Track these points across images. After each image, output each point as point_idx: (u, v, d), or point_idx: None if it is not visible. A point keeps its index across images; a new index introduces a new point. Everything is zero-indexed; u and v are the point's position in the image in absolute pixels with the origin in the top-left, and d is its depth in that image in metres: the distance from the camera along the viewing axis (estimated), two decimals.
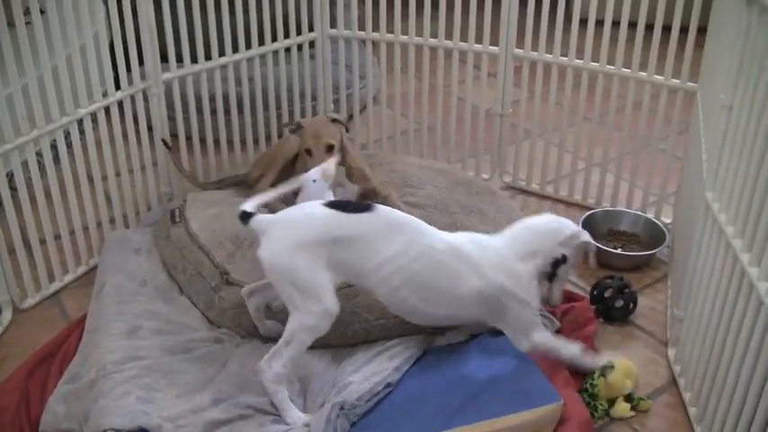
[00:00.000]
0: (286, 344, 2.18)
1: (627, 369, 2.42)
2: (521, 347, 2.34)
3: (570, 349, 2.39)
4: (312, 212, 2.24)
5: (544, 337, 2.35)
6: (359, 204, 2.31)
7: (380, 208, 2.28)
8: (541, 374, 2.33)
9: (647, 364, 2.57)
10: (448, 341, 2.49)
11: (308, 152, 2.75)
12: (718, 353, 2.12)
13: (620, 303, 2.74)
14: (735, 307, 2.02)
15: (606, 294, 2.76)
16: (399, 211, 2.34)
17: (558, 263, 2.34)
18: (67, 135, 2.82)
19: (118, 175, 3.02)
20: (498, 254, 2.31)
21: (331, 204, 2.27)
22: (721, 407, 2.08)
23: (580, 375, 2.44)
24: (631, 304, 2.76)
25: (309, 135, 2.74)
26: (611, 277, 2.80)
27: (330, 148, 2.74)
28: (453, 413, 2.20)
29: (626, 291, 2.76)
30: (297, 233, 2.19)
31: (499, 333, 2.41)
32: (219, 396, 2.28)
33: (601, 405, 2.37)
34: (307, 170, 2.66)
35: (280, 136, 3.65)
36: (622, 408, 2.37)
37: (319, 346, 2.49)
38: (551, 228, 2.36)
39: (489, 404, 2.22)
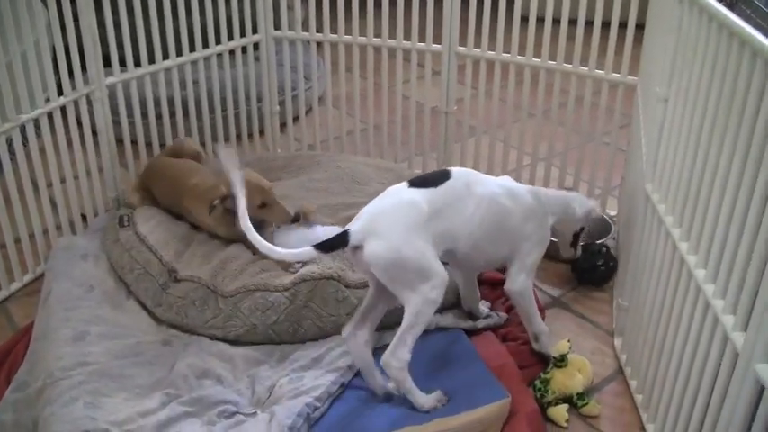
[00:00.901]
0: (410, 328, 2.18)
1: (580, 363, 2.46)
2: (514, 285, 2.46)
3: (540, 322, 2.52)
4: (406, 197, 2.25)
5: (530, 287, 2.49)
6: (437, 175, 2.36)
7: (455, 171, 2.36)
8: (488, 371, 2.36)
9: (595, 354, 2.61)
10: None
11: (263, 205, 2.71)
12: (661, 340, 2.16)
13: (600, 262, 2.92)
14: (675, 295, 2.07)
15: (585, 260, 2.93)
16: (466, 170, 2.42)
17: (578, 234, 2.69)
18: (10, 143, 2.79)
19: (63, 181, 3.00)
20: (535, 202, 2.48)
21: (415, 183, 2.30)
22: (665, 393, 2.12)
23: (527, 368, 2.48)
24: (611, 262, 2.92)
25: (252, 189, 2.63)
26: (588, 245, 2.95)
27: (271, 189, 2.74)
28: (402, 414, 2.23)
29: (604, 252, 2.94)
30: (403, 221, 2.19)
31: (446, 329, 2.47)
32: (167, 397, 2.29)
33: (553, 392, 2.40)
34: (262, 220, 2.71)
35: (226, 139, 3.64)
36: (558, 412, 2.38)
37: (269, 341, 2.51)
38: (579, 202, 2.60)
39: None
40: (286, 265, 2.61)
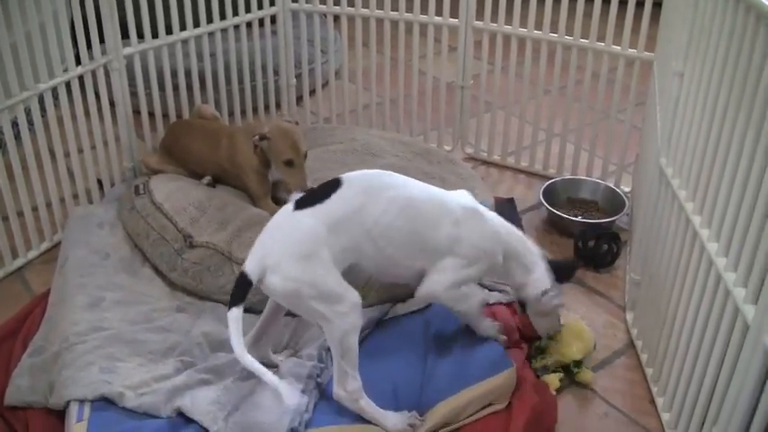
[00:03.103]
0: (342, 358, 2.08)
1: (577, 331, 2.45)
2: (422, 289, 2.26)
3: (486, 327, 2.39)
4: (296, 221, 2.09)
5: (453, 290, 2.28)
6: (326, 186, 2.17)
7: (348, 178, 2.18)
8: (493, 343, 2.37)
9: (607, 328, 2.62)
10: (408, 308, 2.54)
11: (289, 163, 2.72)
12: (673, 314, 2.17)
13: (605, 248, 2.88)
14: (687, 269, 2.07)
15: (590, 244, 2.89)
16: (370, 171, 2.25)
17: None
18: (28, 112, 2.82)
19: (80, 151, 3.02)
20: (478, 222, 2.29)
21: (301, 203, 2.13)
22: (675, 366, 2.13)
23: (538, 339, 2.50)
24: (615, 247, 2.89)
25: (288, 146, 2.71)
26: (589, 229, 2.95)
27: (306, 156, 2.75)
28: (414, 397, 2.23)
29: (607, 235, 2.90)
30: (297, 249, 2.05)
31: None
32: (182, 364, 2.31)
33: (547, 360, 2.41)
34: (280, 177, 2.77)
35: (242, 113, 3.66)
36: (551, 380, 2.37)
37: None
38: (537, 279, 2.34)
39: (443, 382, 2.25)
40: None
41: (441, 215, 2.23)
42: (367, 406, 2.12)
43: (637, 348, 2.52)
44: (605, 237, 2.89)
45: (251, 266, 2.04)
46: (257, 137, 2.73)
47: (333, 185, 2.15)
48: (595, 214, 3.14)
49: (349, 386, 2.10)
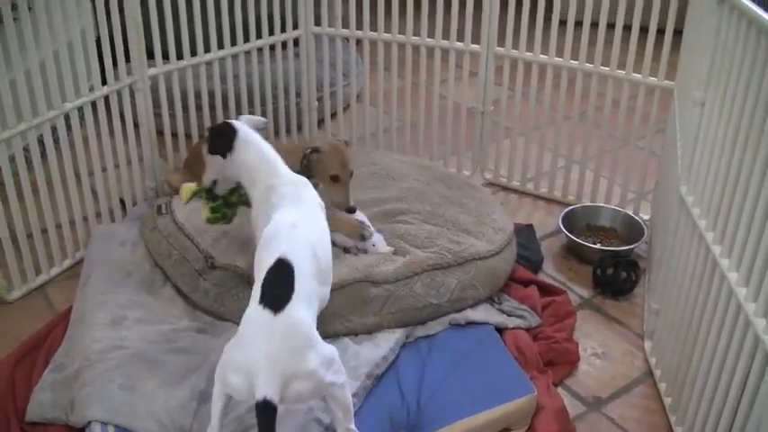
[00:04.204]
0: (347, 413, 2.05)
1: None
2: None
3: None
4: (289, 320, 1.96)
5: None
6: (279, 267, 2.06)
7: (279, 246, 2.11)
8: (516, 366, 2.38)
9: (625, 356, 2.62)
10: (427, 331, 2.55)
11: (335, 178, 2.73)
12: (692, 343, 2.17)
13: (623, 275, 2.87)
14: (707, 298, 2.07)
15: (609, 271, 2.89)
16: (274, 227, 2.21)
17: None
18: (54, 130, 2.85)
19: (104, 170, 3.05)
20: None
21: (269, 297, 1.99)
22: (695, 395, 2.13)
23: (557, 366, 2.50)
24: (634, 275, 2.88)
25: (337, 162, 2.73)
26: (608, 256, 2.93)
27: (352, 175, 2.77)
28: (431, 414, 2.25)
29: (626, 262, 2.89)
30: (304, 344, 1.96)
31: (476, 323, 2.51)
32: (199, 387, 2.32)
33: None
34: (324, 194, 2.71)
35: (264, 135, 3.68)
36: None
37: None
38: None
39: (464, 402, 2.27)
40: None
41: None
42: None
43: (655, 377, 2.51)
44: (624, 264, 2.89)
45: (270, 396, 1.85)
46: (309, 150, 2.75)
47: (280, 268, 2.06)
48: (614, 242, 3.15)
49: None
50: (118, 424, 2.18)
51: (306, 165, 2.75)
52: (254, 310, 1.97)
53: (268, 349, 1.90)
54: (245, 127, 2.47)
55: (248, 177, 2.42)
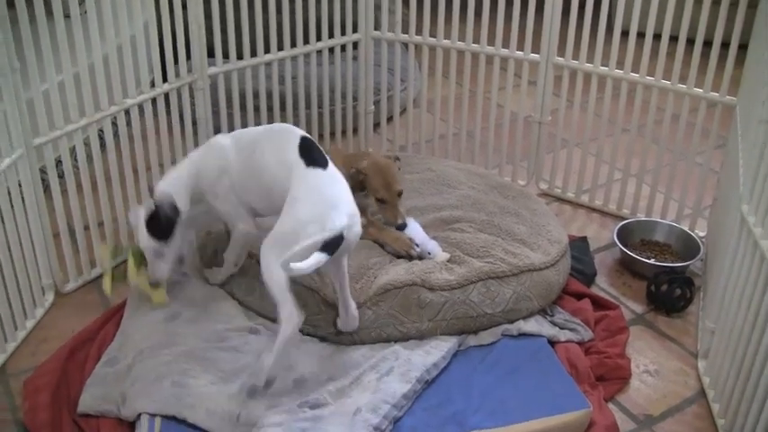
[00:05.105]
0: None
1: None
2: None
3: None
4: (331, 173, 2.37)
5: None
6: (308, 148, 2.40)
7: (294, 132, 2.48)
8: (570, 379, 2.36)
9: (678, 375, 2.59)
10: (479, 341, 2.53)
11: (382, 200, 2.74)
12: (749, 365, 2.13)
13: (677, 292, 2.83)
14: (767, 320, 2.04)
15: (663, 288, 2.85)
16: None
17: None
18: (114, 125, 2.89)
19: (161, 165, 3.08)
20: None
21: (313, 161, 2.36)
22: (750, 418, 2.10)
23: (608, 381, 2.47)
24: (688, 292, 2.84)
25: (380, 185, 2.72)
26: (662, 272, 2.89)
27: (400, 194, 2.77)
28: (482, 416, 2.24)
29: (680, 279, 2.85)
30: (346, 190, 2.34)
31: (529, 335, 2.49)
32: (251, 386, 2.31)
33: None
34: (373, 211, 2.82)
35: (320, 137, 3.70)
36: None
37: (352, 343, 2.52)
38: None
39: (518, 408, 2.26)
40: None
41: None
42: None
43: (708, 397, 2.48)
44: (678, 281, 2.85)
45: (342, 223, 2.20)
46: (354, 170, 2.75)
47: (307, 145, 2.41)
48: (669, 257, 3.11)
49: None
50: (166, 414, 2.21)
51: (357, 180, 2.77)
52: (307, 172, 2.33)
53: (336, 192, 2.29)
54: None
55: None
